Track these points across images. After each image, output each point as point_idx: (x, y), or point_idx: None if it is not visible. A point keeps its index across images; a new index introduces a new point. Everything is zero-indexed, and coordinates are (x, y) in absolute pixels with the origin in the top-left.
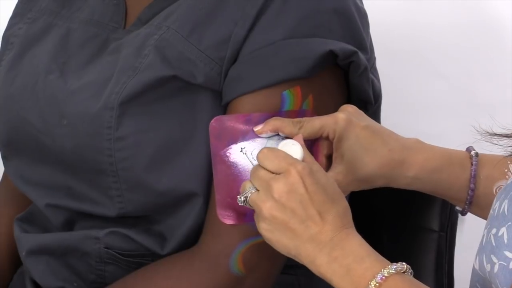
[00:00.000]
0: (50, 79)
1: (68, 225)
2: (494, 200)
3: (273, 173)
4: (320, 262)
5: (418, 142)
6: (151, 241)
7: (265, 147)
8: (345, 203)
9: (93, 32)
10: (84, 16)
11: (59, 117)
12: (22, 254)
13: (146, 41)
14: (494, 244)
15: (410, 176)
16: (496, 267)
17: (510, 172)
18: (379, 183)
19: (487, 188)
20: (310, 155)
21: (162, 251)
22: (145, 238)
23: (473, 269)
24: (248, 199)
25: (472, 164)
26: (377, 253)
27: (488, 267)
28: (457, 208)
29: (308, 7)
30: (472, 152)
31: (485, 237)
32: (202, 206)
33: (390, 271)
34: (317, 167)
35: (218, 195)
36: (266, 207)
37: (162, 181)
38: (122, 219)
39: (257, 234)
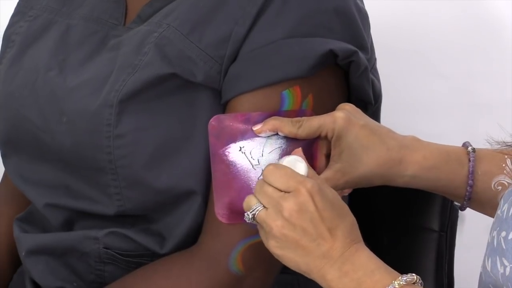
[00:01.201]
0: (50, 76)
1: (67, 225)
2: (502, 202)
3: (281, 190)
4: (331, 277)
5: (415, 139)
6: (150, 241)
7: (271, 164)
8: (352, 217)
9: (92, 29)
10: (84, 12)
11: (59, 115)
12: (22, 254)
13: (146, 39)
14: (504, 247)
15: (408, 174)
16: (508, 270)
17: (508, 166)
18: (377, 182)
19: (485, 184)
20: (313, 170)
21: (161, 250)
22: (144, 238)
23: (485, 270)
24: (256, 216)
25: (469, 160)
26: (386, 266)
27: (501, 269)
28: (456, 203)
29: (308, 6)
30: (469, 148)
31: (495, 239)
32: (201, 204)
33: (401, 282)
34: (322, 182)
35: (217, 194)
36: (277, 226)
37: (161, 179)
38: (121, 218)
39: (256, 233)
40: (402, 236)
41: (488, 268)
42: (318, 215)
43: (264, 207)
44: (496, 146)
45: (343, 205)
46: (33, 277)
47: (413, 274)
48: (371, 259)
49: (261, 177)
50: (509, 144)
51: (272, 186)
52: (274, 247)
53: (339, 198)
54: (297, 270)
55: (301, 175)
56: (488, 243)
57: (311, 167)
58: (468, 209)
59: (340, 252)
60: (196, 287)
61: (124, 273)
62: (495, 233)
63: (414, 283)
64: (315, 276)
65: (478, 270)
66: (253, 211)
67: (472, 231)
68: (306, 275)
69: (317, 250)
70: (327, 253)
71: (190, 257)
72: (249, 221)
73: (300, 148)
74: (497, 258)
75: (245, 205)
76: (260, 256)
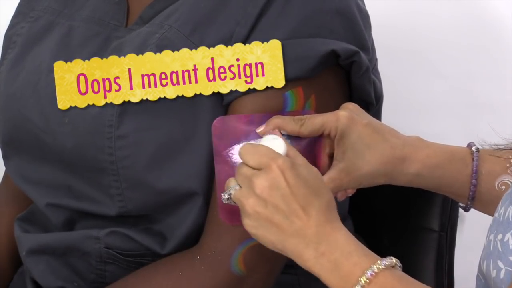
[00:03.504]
0: (52, 77)
1: (69, 225)
2: (499, 205)
3: (255, 169)
4: (307, 257)
5: (419, 139)
6: (151, 241)
7: (246, 142)
8: (329, 196)
9: (94, 31)
10: (86, 14)
11: (61, 116)
12: (23, 254)
13: (148, 40)
14: (500, 249)
15: (412, 173)
16: (502, 273)
17: None
18: (381, 181)
19: (489, 184)
20: (293, 149)
21: (162, 250)
22: (145, 238)
23: (481, 273)
24: (231, 196)
25: (473, 160)
26: (364, 247)
27: (494, 273)
28: (460, 204)
29: (310, 7)
30: (473, 148)
31: (492, 242)
32: (202, 205)
33: (380, 266)
34: (301, 160)
35: (220, 195)
36: (249, 204)
37: (162, 180)
38: (122, 219)
39: None
40: (402, 236)
41: (484, 271)
42: (289, 192)
43: (240, 186)
44: (488, 148)
45: (320, 183)
46: (34, 277)
47: (392, 258)
48: (348, 240)
49: None
50: (501, 147)
51: (247, 165)
52: (249, 226)
53: (317, 176)
54: (274, 250)
55: (274, 152)
56: (484, 246)
57: (291, 146)
58: None
59: (315, 231)
60: (197, 287)
61: (125, 273)
62: (492, 236)
63: (393, 266)
64: (291, 255)
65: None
66: (229, 191)
67: (472, 231)
68: (283, 254)
69: (290, 227)
70: (301, 231)
71: (191, 258)
72: (225, 202)
73: (277, 129)
74: (491, 261)
75: (225, 186)
76: (261, 257)
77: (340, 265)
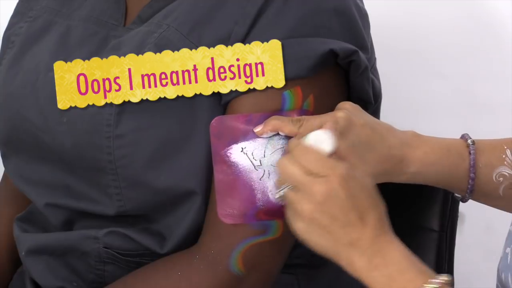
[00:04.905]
0: (50, 76)
1: (67, 225)
2: None
3: (311, 172)
4: (359, 266)
5: (415, 135)
6: (150, 240)
7: (300, 143)
8: (383, 206)
9: (93, 30)
10: (84, 13)
11: (59, 115)
12: (22, 254)
13: (146, 39)
14: None
15: (410, 171)
16: None
17: (508, 157)
18: (379, 180)
19: (486, 176)
20: (345, 147)
21: (162, 250)
22: (144, 238)
23: (501, 284)
24: (285, 196)
25: (470, 153)
26: (420, 262)
27: None
28: (457, 195)
29: (308, 6)
30: (469, 141)
31: (509, 255)
32: (201, 204)
33: (434, 286)
34: (354, 164)
35: (219, 194)
36: (306, 210)
37: (161, 179)
38: (121, 218)
39: (257, 234)
40: (402, 236)
41: (503, 282)
42: (348, 202)
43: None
44: None
45: (375, 193)
46: (33, 277)
47: (445, 275)
48: (405, 256)
49: (264, 177)
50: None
51: (303, 167)
52: (302, 230)
53: (372, 185)
54: (325, 255)
55: (334, 161)
56: (501, 257)
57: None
58: (468, 209)
59: (370, 243)
60: (196, 287)
61: (124, 272)
62: (508, 249)
63: (447, 284)
64: (342, 262)
65: (478, 270)
66: (282, 189)
67: (472, 231)
68: (334, 260)
69: (345, 237)
70: (356, 242)
71: (190, 258)
72: (277, 200)
73: (331, 123)
74: (509, 274)
75: (276, 184)
76: (260, 256)
77: (394, 281)
